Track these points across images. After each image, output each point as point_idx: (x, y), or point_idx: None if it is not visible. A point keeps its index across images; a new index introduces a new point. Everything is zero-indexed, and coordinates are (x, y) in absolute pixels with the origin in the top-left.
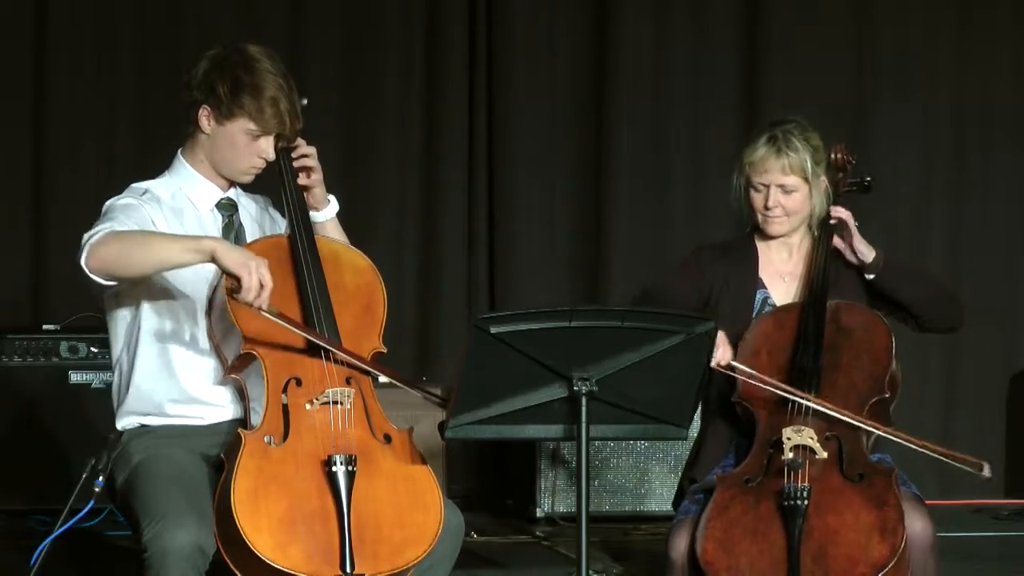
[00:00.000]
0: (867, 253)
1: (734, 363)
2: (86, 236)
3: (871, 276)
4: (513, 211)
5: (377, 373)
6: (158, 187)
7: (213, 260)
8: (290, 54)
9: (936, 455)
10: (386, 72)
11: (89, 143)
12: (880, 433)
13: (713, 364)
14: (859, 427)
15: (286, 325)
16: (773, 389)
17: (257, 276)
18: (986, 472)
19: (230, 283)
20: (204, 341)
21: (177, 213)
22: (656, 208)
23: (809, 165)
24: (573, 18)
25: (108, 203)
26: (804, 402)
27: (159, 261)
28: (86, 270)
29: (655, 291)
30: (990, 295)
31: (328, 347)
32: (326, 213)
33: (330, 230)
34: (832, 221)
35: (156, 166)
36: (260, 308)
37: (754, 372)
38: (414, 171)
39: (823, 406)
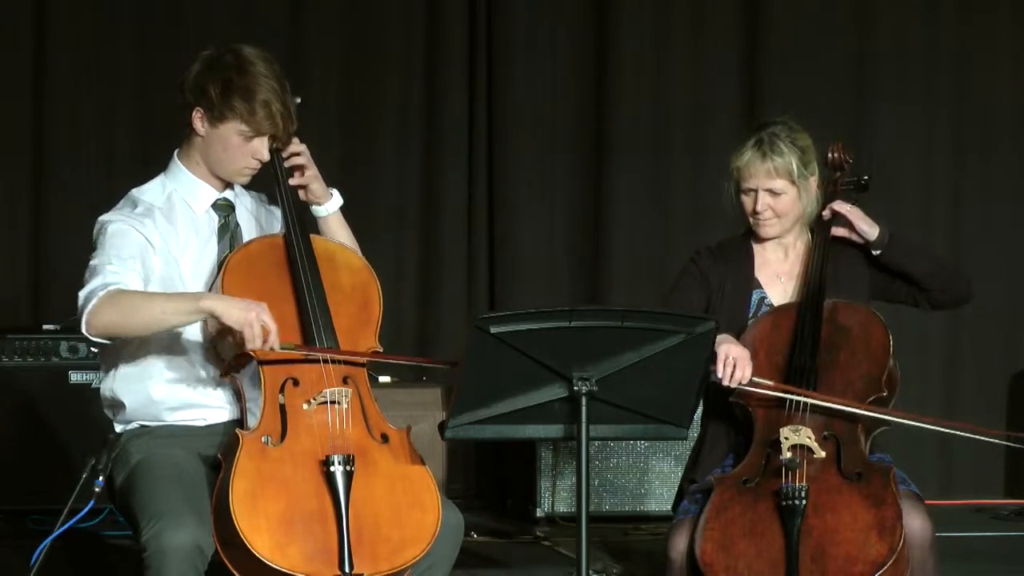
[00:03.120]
0: (870, 231)
1: (756, 379)
2: (82, 297)
3: (878, 252)
4: (513, 211)
5: (382, 361)
6: (152, 192)
7: (213, 318)
8: (290, 54)
9: (936, 428)
10: (386, 72)
11: (89, 143)
12: (883, 417)
13: (732, 384)
14: (860, 418)
15: (303, 353)
16: (792, 397)
17: (259, 325)
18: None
19: (237, 336)
20: (201, 343)
21: (171, 218)
22: (656, 208)
23: (795, 167)
24: (573, 18)
25: (100, 223)
26: (814, 401)
27: (158, 325)
28: (88, 337)
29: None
30: (990, 295)
31: (345, 358)
32: (328, 207)
33: (333, 224)
34: (826, 217)
35: (156, 166)
36: (272, 349)
37: (770, 383)
38: (414, 171)
39: (830, 401)
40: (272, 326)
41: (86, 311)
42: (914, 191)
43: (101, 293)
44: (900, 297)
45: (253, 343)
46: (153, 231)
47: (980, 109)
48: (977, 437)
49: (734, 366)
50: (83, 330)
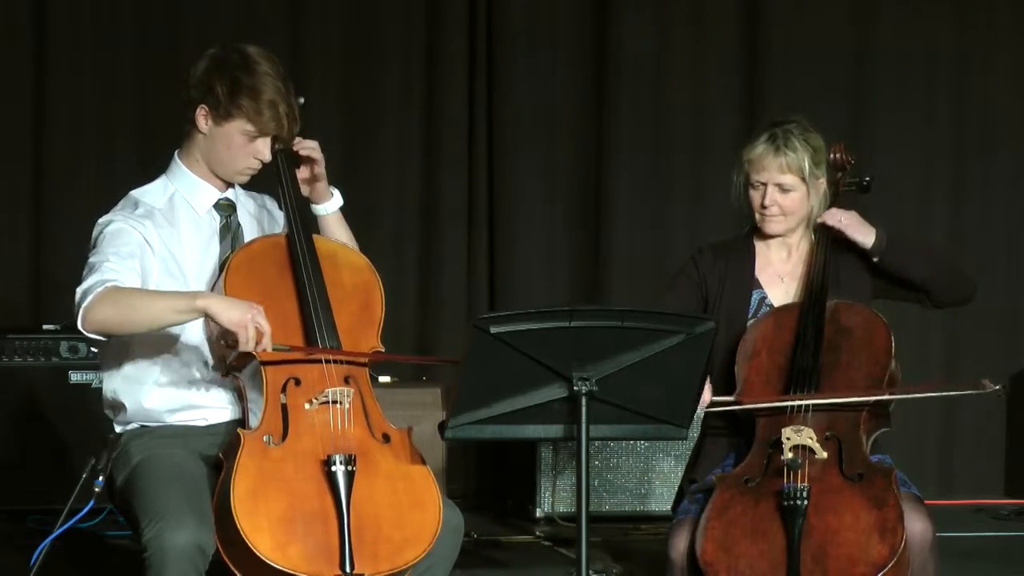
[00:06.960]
0: (865, 240)
1: (715, 399)
2: (79, 293)
3: (876, 259)
4: (513, 210)
5: (385, 359)
6: (153, 193)
7: (208, 317)
8: (290, 54)
9: (939, 393)
10: (386, 72)
11: (89, 143)
12: (884, 399)
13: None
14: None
15: (297, 354)
16: (765, 406)
17: (253, 327)
18: (989, 387)
19: (229, 338)
20: (201, 343)
21: (172, 219)
22: (656, 208)
23: (807, 165)
24: (573, 18)
25: (99, 224)
26: (799, 403)
27: (154, 323)
28: (84, 332)
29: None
30: (990, 295)
31: (340, 359)
32: (329, 206)
33: (333, 223)
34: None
35: (156, 167)
36: (264, 351)
37: (734, 399)
38: (414, 171)
39: (822, 399)
40: (266, 328)
41: (83, 306)
42: (914, 191)
43: (99, 289)
44: (902, 297)
45: (246, 345)
46: (153, 233)
47: (980, 109)
48: (961, 393)
49: None
50: (79, 325)
